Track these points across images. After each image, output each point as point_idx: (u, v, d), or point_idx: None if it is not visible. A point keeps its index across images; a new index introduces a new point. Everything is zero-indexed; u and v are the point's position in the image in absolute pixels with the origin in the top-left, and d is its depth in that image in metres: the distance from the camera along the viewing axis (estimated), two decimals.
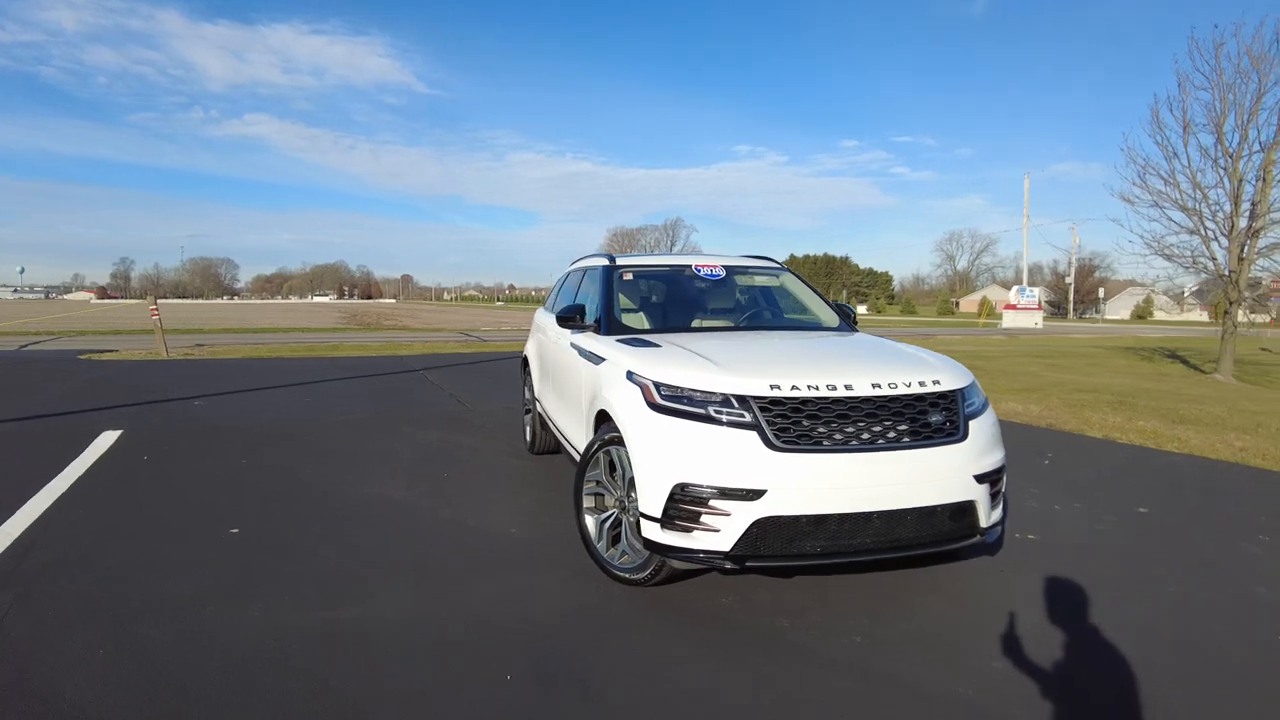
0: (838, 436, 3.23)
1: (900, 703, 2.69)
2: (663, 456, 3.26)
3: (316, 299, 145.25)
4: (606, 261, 5.06)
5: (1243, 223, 15.31)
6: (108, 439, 6.76)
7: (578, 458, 4.55)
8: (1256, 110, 15.09)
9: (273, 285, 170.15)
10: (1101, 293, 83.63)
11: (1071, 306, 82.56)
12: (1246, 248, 15.29)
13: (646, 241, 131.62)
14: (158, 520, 4.58)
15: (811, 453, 3.16)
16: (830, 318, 4.97)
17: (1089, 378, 14.00)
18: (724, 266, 5.10)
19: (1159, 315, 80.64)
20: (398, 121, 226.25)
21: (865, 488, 3.19)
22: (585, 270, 5.56)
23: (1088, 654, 3.07)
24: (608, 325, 4.45)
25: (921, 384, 3.44)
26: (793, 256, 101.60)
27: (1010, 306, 54.70)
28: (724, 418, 3.22)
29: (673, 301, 4.97)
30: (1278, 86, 14.91)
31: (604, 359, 4.07)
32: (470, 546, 4.22)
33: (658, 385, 3.43)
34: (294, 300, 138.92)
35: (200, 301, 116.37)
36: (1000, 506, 3.67)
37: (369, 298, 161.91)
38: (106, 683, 2.71)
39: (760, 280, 5.31)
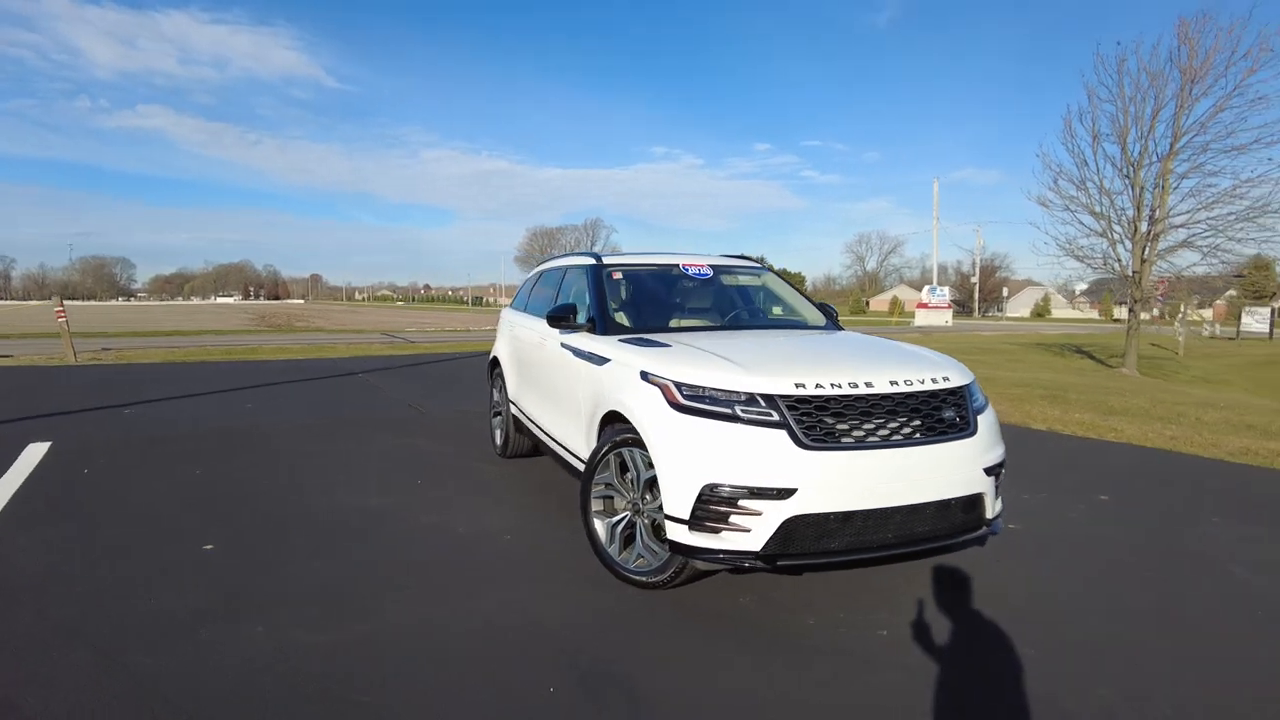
0: (860, 434, 3.26)
1: (943, 693, 2.73)
2: (690, 457, 3.23)
3: (220, 300, 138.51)
4: (592, 260, 4.98)
5: (1144, 227, 16.37)
6: (36, 452, 6.24)
7: (571, 460, 4.48)
8: (1154, 124, 16.16)
9: (173, 286, 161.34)
10: (1005, 291, 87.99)
11: (976, 305, 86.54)
12: (1148, 250, 16.35)
13: (566, 241, 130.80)
14: (118, 540, 4.24)
15: (838, 450, 3.19)
16: (816, 316, 5.04)
17: (1015, 373, 14.70)
18: (710, 266, 5.10)
19: (1056, 313, 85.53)
20: (306, 116, 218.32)
21: (888, 484, 3.24)
22: (565, 269, 5.46)
23: (1109, 633, 3.19)
24: (604, 325, 4.38)
25: (934, 380, 3.51)
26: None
27: (922, 305, 57.02)
28: (751, 417, 3.21)
29: (663, 301, 4.93)
30: (1173, 102, 16.00)
31: (608, 359, 4.00)
32: (467, 555, 4.08)
33: (679, 385, 3.39)
34: (196, 301, 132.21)
35: (94, 303, 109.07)
36: (1000, 498, 3.79)
37: (276, 298, 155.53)
38: None
39: (744, 279, 5.34)
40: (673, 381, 3.42)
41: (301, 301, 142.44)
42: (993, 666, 2.94)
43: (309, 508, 4.85)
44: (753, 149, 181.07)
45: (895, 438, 3.31)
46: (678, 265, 5.06)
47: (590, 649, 3.03)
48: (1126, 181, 16.25)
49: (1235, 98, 15.28)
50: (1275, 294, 64.30)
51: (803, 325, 4.92)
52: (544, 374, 5.05)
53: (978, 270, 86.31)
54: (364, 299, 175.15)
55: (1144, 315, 17.78)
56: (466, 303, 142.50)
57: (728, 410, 3.24)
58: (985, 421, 3.64)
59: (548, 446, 5.02)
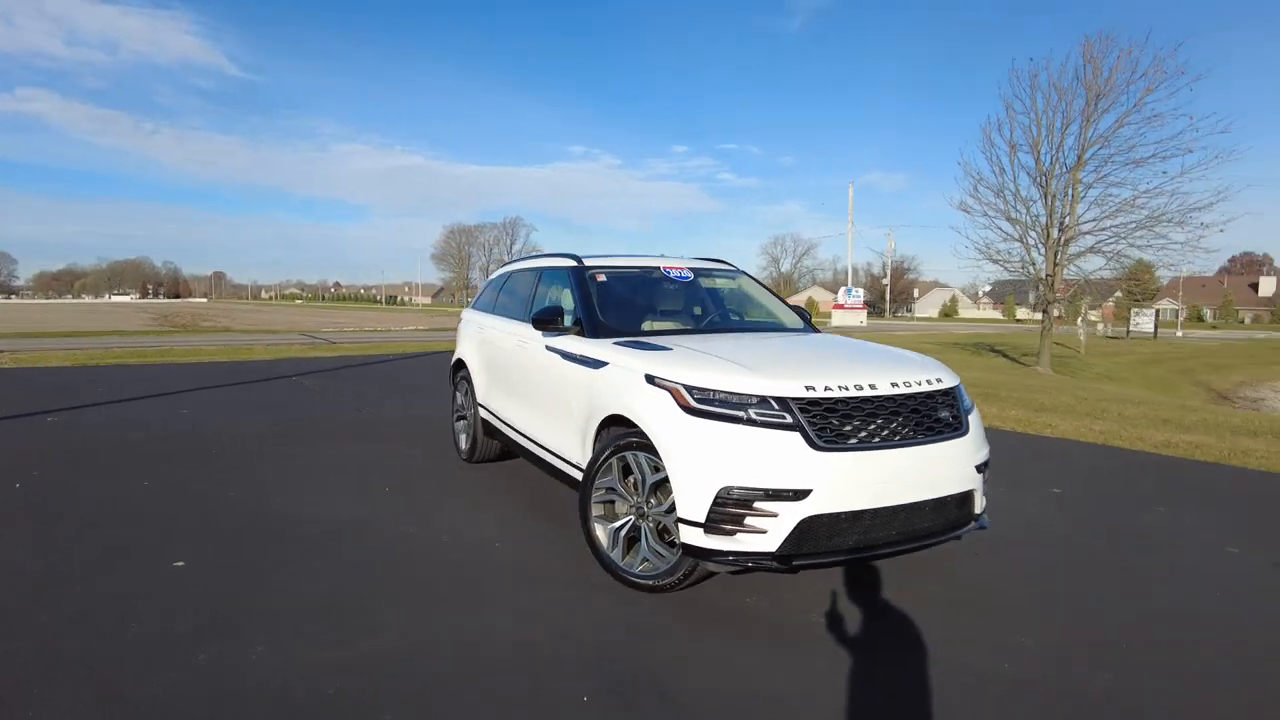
0: (866, 435, 3.35)
1: (963, 682, 2.84)
2: (705, 460, 3.25)
3: (116, 298, 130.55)
4: (573, 262, 4.94)
5: (1055, 233, 17.34)
6: None
7: (559, 464, 4.44)
8: (1064, 137, 17.15)
9: (61, 283, 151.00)
10: (916, 292, 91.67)
11: (888, 306, 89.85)
12: (1060, 255, 17.32)
13: (485, 240, 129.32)
14: (74, 561, 3.94)
15: (848, 451, 3.26)
16: (793, 318, 5.14)
17: None
18: (689, 269, 5.14)
19: (962, 313, 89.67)
20: (207, 106, 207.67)
21: (892, 483, 3.34)
22: (541, 271, 5.39)
23: (1092, 618, 3.38)
24: (594, 328, 4.35)
25: (929, 382, 3.64)
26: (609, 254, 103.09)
27: (839, 306, 58.55)
28: (766, 420, 3.25)
29: (648, 303, 4.93)
30: (1080, 117, 17.00)
31: (605, 363, 3.98)
32: (461, 564, 3.99)
33: (690, 388, 3.40)
34: (89, 300, 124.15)
35: None
36: (985, 495, 3.95)
37: (177, 296, 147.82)
38: None
39: (721, 282, 5.40)
40: (683, 385, 3.43)
41: (204, 300, 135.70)
42: (1001, 656, 3.07)
43: (278, 519, 4.63)
44: (671, 151, 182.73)
45: (897, 438, 3.42)
46: (659, 268, 5.07)
47: (612, 654, 3.01)
48: (1040, 190, 17.21)
49: (1134, 115, 16.40)
50: (1155, 295, 69.19)
51: (783, 327, 5.01)
52: (525, 377, 4.97)
53: (889, 272, 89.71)
54: (270, 298, 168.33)
55: (1054, 315, 18.84)
56: (380, 302, 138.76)
57: (741, 413, 3.28)
58: (974, 421, 3.79)
59: (527, 451, 4.95)
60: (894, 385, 3.51)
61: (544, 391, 4.65)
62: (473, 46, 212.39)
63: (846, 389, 3.38)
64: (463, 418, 6.32)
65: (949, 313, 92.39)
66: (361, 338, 25.16)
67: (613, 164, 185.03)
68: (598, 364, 4.04)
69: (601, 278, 4.82)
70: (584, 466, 4.08)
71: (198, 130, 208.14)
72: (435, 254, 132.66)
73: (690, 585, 3.57)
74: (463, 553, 4.14)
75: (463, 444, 6.25)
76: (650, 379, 3.58)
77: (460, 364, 6.32)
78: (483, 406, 5.77)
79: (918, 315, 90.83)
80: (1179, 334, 49.29)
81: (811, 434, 3.23)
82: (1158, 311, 48.11)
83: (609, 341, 4.14)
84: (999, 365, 18.46)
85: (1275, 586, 3.88)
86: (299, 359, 15.13)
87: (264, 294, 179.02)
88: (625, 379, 3.77)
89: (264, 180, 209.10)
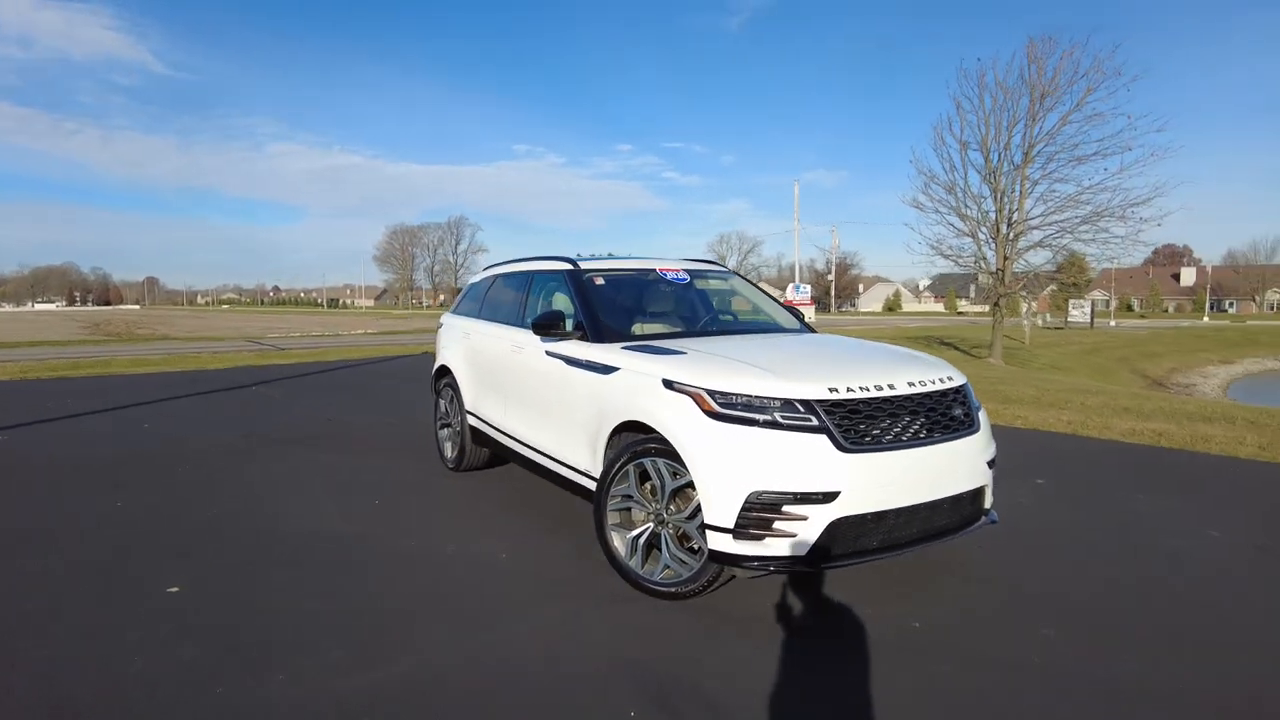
0: (888, 435, 3.37)
1: (996, 675, 2.87)
2: (732, 466, 3.22)
3: (40, 306, 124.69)
4: (569, 266, 4.86)
5: (1005, 228, 17.83)
6: None
7: (564, 472, 4.36)
8: (1011, 135, 17.64)
9: None
10: (861, 287, 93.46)
11: (833, 301, 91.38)
12: (1009, 249, 17.82)
13: (430, 240, 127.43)
14: (52, 590, 3.72)
15: (873, 452, 3.27)
16: (789, 319, 5.14)
17: None
18: (685, 270, 5.10)
19: (905, 307, 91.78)
20: (133, 105, 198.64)
21: (914, 481, 3.36)
22: (533, 274, 5.29)
23: (1106, 606, 3.45)
24: (599, 332, 4.27)
25: (942, 380, 3.68)
26: (580, 255, 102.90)
27: (788, 302, 59.49)
28: (792, 423, 3.23)
29: (649, 306, 4.87)
30: (1026, 116, 17.50)
31: (616, 368, 3.92)
32: (471, 578, 3.88)
33: (712, 393, 3.36)
34: (10, 309, 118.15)
35: None
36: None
37: (107, 303, 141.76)
38: None
39: (715, 283, 5.37)
40: (705, 390, 3.39)
41: (137, 307, 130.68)
42: (1027, 648, 3.11)
43: (269, 537, 4.45)
44: (615, 149, 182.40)
45: (917, 437, 3.44)
46: (654, 270, 5.02)
47: (647, 666, 2.96)
48: (990, 187, 17.69)
49: (1076, 114, 16.96)
50: (1088, 287, 71.84)
51: (781, 328, 5.00)
52: (522, 383, 4.87)
53: (834, 268, 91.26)
54: (207, 303, 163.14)
55: (992, 307, 19.38)
56: (321, 305, 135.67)
57: (768, 417, 3.25)
58: (983, 418, 3.85)
59: (525, 458, 4.85)
60: (910, 385, 3.53)
61: (545, 398, 4.56)
62: (412, 45, 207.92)
63: (867, 389, 3.39)
64: (446, 425, 6.18)
65: (892, 306, 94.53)
66: (310, 343, 24.52)
67: (557, 162, 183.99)
68: (607, 369, 3.97)
69: (600, 281, 4.74)
70: (593, 473, 4.02)
71: (124, 130, 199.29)
72: (378, 255, 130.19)
73: (710, 591, 3.54)
74: (470, 566, 4.04)
75: (448, 452, 6.11)
76: (669, 384, 3.53)
77: (444, 370, 6.17)
78: (472, 414, 5.64)
79: (862, 310, 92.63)
80: (1113, 323, 51.32)
81: (838, 435, 3.23)
82: (1093, 303, 49.97)
83: (616, 346, 4.08)
84: (952, 358, 18.91)
85: (1263, 568, 4.02)
86: (253, 367, 14.64)
87: (200, 299, 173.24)
88: (640, 384, 3.71)
89: (197, 182, 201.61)
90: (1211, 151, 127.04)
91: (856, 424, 3.31)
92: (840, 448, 3.21)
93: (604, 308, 4.51)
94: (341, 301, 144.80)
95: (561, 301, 4.82)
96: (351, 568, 4.00)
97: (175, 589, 3.70)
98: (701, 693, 2.77)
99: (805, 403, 3.27)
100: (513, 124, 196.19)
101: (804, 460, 3.18)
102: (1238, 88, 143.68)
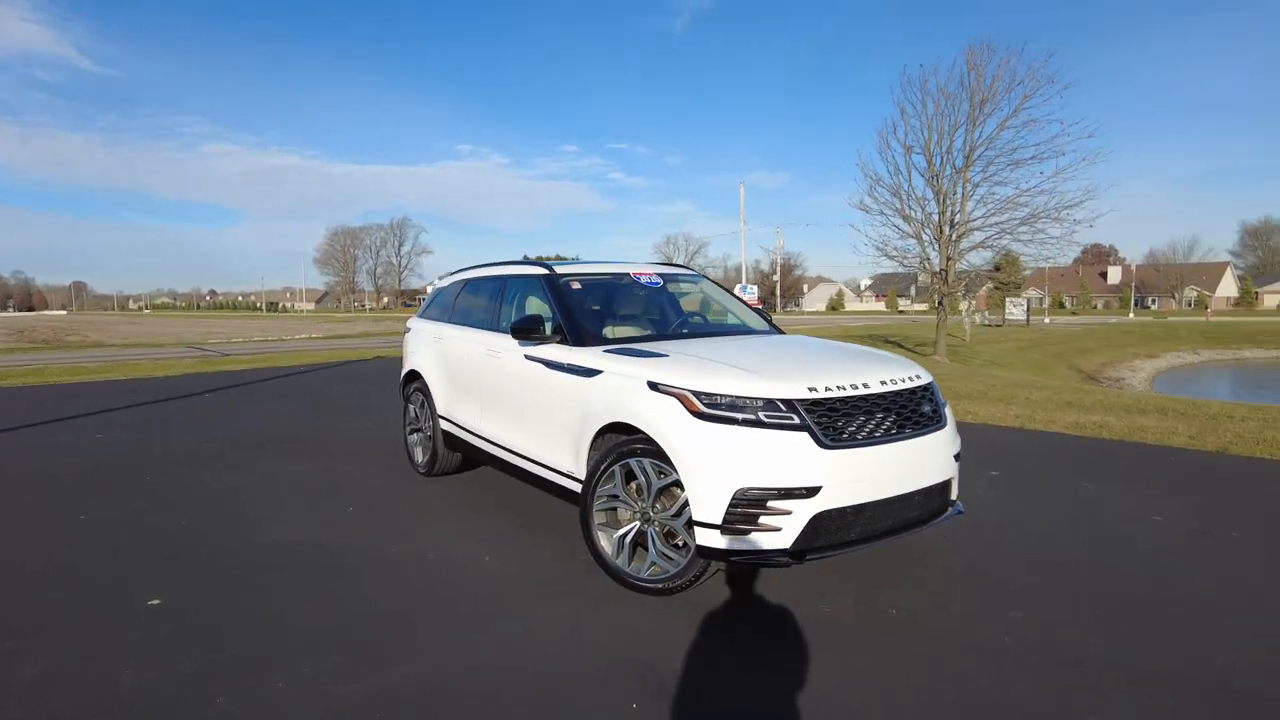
0: (864, 432, 3.53)
1: (972, 658, 3.05)
2: (719, 464, 3.33)
3: None
4: (544, 271, 4.92)
5: (948, 230, 18.42)
6: None
7: (546, 474, 4.42)
8: (953, 139, 18.22)
9: None
10: (805, 288, 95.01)
11: (778, 301, 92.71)
12: (952, 250, 18.41)
13: (372, 241, 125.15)
14: (24, 606, 3.64)
15: (851, 448, 3.43)
16: (758, 321, 5.29)
17: None
18: (658, 274, 5.21)
19: (848, 306, 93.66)
20: (56, 102, 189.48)
21: (890, 476, 3.53)
22: (506, 279, 5.33)
23: (1067, 589, 3.68)
24: (579, 336, 4.34)
25: (911, 379, 3.86)
26: (526, 257, 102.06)
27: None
28: (775, 421, 3.37)
29: (625, 309, 4.96)
30: (966, 121, 18.11)
31: (599, 371, 4.00)
32: (458, 581, 3.92)
33: (698, 394, 3.48)
34: None
35: None
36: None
37: (30, 309, 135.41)
38: None
39: (686, 286, 5.49)
40: (690, 391, 3.50)
41: (63, 312, 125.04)
42: (999, 630, 3.30)
43: (246, 546, 4.41)
44: (560, 150, 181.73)
45: (890, 433, 3.61)
46: (628, 274, 5.12)
47: (645, 662, 3.05)
48: (933, 190, 18.26)
49: (1014, 119, 17.63)
50: (1024, 285, 74.37)
51: (751, 330, 5.14)
52: (500, 387, 4.91)
53: (779, 269, 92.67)
54: (140, 308, 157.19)
55: (948, 307, 20.02)
56: (260, 309, 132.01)
57: (752, 416, 3.38)
58: (949, 414, 4.05)
59: (504, 462, 4.89)
60: (883, 383, 3.70)
61: (524, 401, 4.61)
62: (350, 44, 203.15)
63: (844, 389, 3.54)
64: (417, 430, 6.16)
65: (835, 306, 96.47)
66: (256, 348, 23.92)
67: (502, 163, 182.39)
68: (590, 372, 4.05)
69: (576, 285, 4.82)
70: (576, 475, 4.10)
71: (44, 128, 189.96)
72: (318, 258, 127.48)
73: (697, 586, 3.65)
74: (456, 569, 4.07)
75: (419, 457, 6.10)
76: (654, 386, 3.63)
77: (414, 375, 6.16)
78: (444, 419, 5.65)
79: (806, 309, 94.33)
80: (1047, 320, 53.32)
81: (818, 433, 3.37)
82: (1028, 301, 51.84)
83: (598, 349, 4.16)
84: (897, 356, 19.49)
85: (1206, 550, 4.31)
86: (199, 374, 14.24)
87: (132, 304, 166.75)
88: (625, 386, 3.80)
89: (126, 183, 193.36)
90: (1134, 155, 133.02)
91: (835, 421, 3.46)
92: (821, 444, 3.35)
93: (583, 312, 4.59)
94: (281, 305, 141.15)
95: (537, 306, 4.88)
96: (338, 574, 3.99)
97: (156, 601, 3.65)
98: (698, 685, 2.88)
99: (787, 402, 3.41)
100: (456, 124, 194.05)
101: (787, 457, 3.32)
102: (1158, 93, 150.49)
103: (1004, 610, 3.51)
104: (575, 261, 5.33)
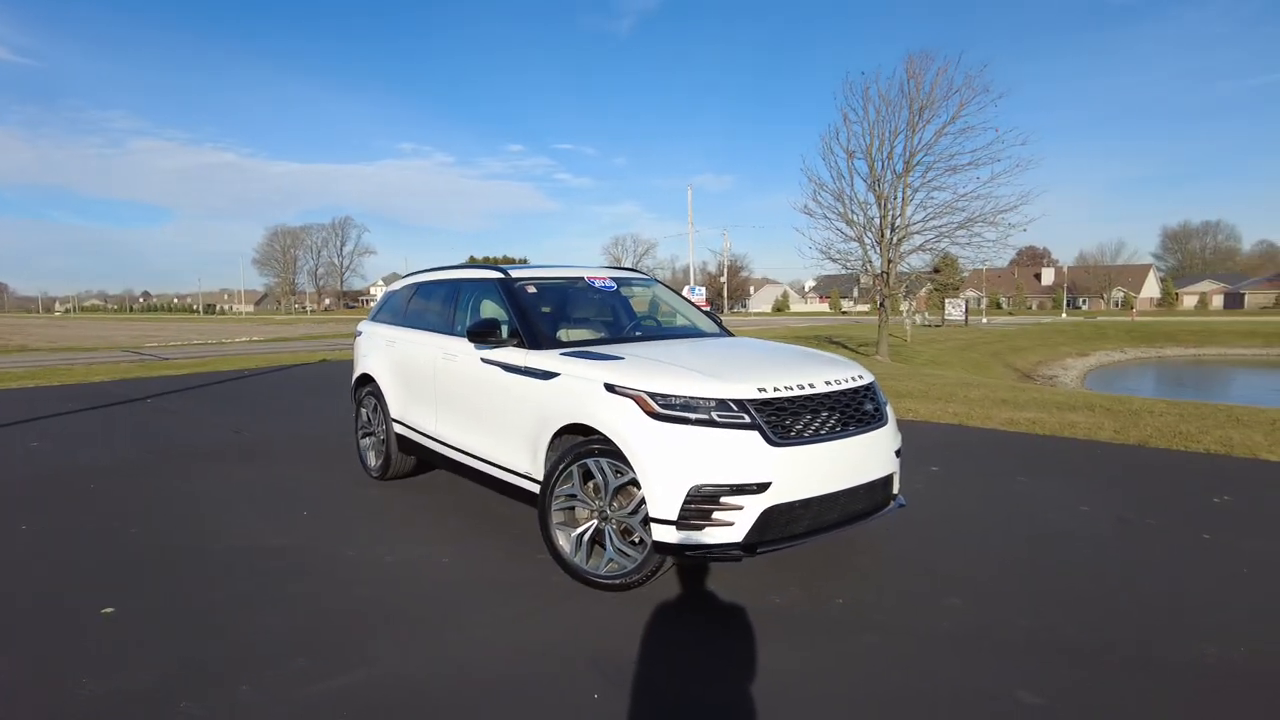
0: (810, 430, 3.70)
1: (914, 644, 3.24)
2: (674, 462, 3.46)
3: None
4: (500, 275, 4.99)
5: (889, 233, 18.95)
6: None
7: (503, 476, 4.49)
8: (893, 145, 18.76)
9: None
10: (751, 289, 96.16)
11: (726, 302, 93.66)
12: (893, 253, 18.94)
13: (313, 242, 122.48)
14: None
15: (799, 445, 3.59)
16: (709, 324, 5.44)
17: None
18: (611, 278, 5.32)
19: (793, 307, 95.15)
20: None
21: (835, 471, 3.71)
22: (460, 283, 5.38)
23: (1002, 576, 3.92)
24: (536, 339, 4.42)
25: (853, 379, 4.05)
26: (472, 258, 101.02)
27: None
28: (727, 421, 3.51)
29: (580, 313, 5.06)
30: (906, 127, 18.67)
31: (556, 373, 4.09)
32: (417, 583, 3.96)
33: (653, 395, 3.60)
34: None
35: None
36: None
37: None
38: None
39: (639, 290, 5.61)
40: (645, 392, 3.62)
41: None
42: (939, 616, 3.51)
43: (199, 553, 4.37)
44: (505, 149, 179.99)
45: (835, 431, 3.79)
46: (583, 278, 5.22)
47: (607, 655, 3.16)
48: (874, 194, 18.78)
49: (951, 127, 18.26)
50: (962, 286, 76.62)
51: (703, 332, 5.29)
52: (455, 390, 4.96)
53: (726, 270, 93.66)
54: (67, 310, 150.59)
55: (891, 309, 20.60)
56: (197, 311, 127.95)
57: (705, 416, 3.52)
58: (890, 412, 4.25)
59: (460, 464, 4.94)
60: (828, 383, 3.88)
61: (481, 404, 4.67)
62: (287, 40, 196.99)
63: (792, 389, 3.71)
64: (369, 434, 6.16)
65: (781, 307, 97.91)
66: (196, 352, 23.23)
67: (445, 162, 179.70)
68: (547, 375, 4.14)
69: (532, 289, 4.90)
70: (534, 475, 4.18)
71: None
72: (257, 258, 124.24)
73: (654, 581, 3.78)
74: (413, 571, 4.11)
75: (372, 461, 6.09)
76: (611, 388, 3.75)
77: (366, 379, 6.15)
78: (398, 422, 5.66)
79: (753, 310, 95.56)
80: (985, 321, 55.04)
81: (768, 431, 3.53)
82: (966, 301, 53.47)
83: (555, 352, 4.25)
84: (842, 356, 19.97)
85: (1126, 537, 4.62)
86: (139, 379, 13.81)
87: (59, 307, 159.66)
88: (582, 388, 3.91)
89: (46, 180, 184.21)
90: (1065, 160, 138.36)
91: (783, 420, 3.62)
92: (770, 442, 3.51)
93: (539, 315, 4.67)
94: (219, 307, 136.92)
95: (492, 310, 4.94)
96: (296, 578, 4.00)
97: (110, 609, 3.61)
98: (659, 676, 3.00)
99: (738, 402, 3.56)
100: (398, 121, 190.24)
101: (739, 455, 3.47)
102: (1090, 100, 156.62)
103: (943, 597, 3.72)
104: (524, 265, 5.40)
